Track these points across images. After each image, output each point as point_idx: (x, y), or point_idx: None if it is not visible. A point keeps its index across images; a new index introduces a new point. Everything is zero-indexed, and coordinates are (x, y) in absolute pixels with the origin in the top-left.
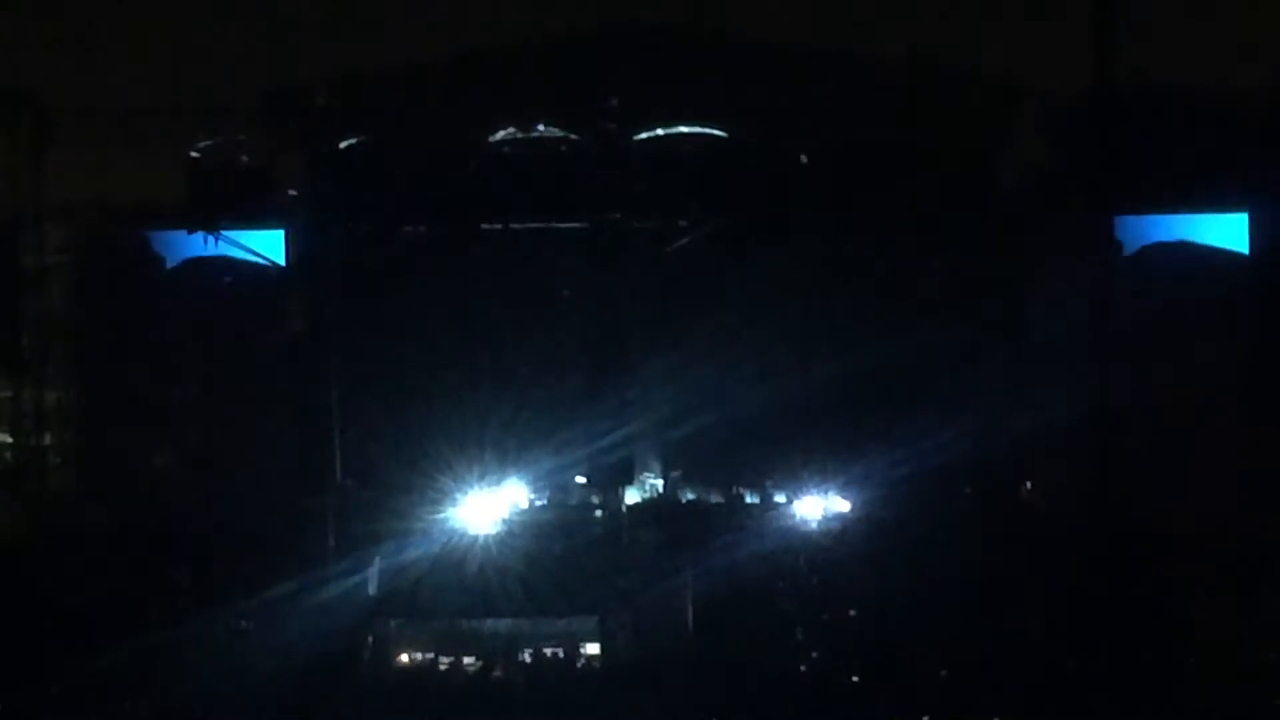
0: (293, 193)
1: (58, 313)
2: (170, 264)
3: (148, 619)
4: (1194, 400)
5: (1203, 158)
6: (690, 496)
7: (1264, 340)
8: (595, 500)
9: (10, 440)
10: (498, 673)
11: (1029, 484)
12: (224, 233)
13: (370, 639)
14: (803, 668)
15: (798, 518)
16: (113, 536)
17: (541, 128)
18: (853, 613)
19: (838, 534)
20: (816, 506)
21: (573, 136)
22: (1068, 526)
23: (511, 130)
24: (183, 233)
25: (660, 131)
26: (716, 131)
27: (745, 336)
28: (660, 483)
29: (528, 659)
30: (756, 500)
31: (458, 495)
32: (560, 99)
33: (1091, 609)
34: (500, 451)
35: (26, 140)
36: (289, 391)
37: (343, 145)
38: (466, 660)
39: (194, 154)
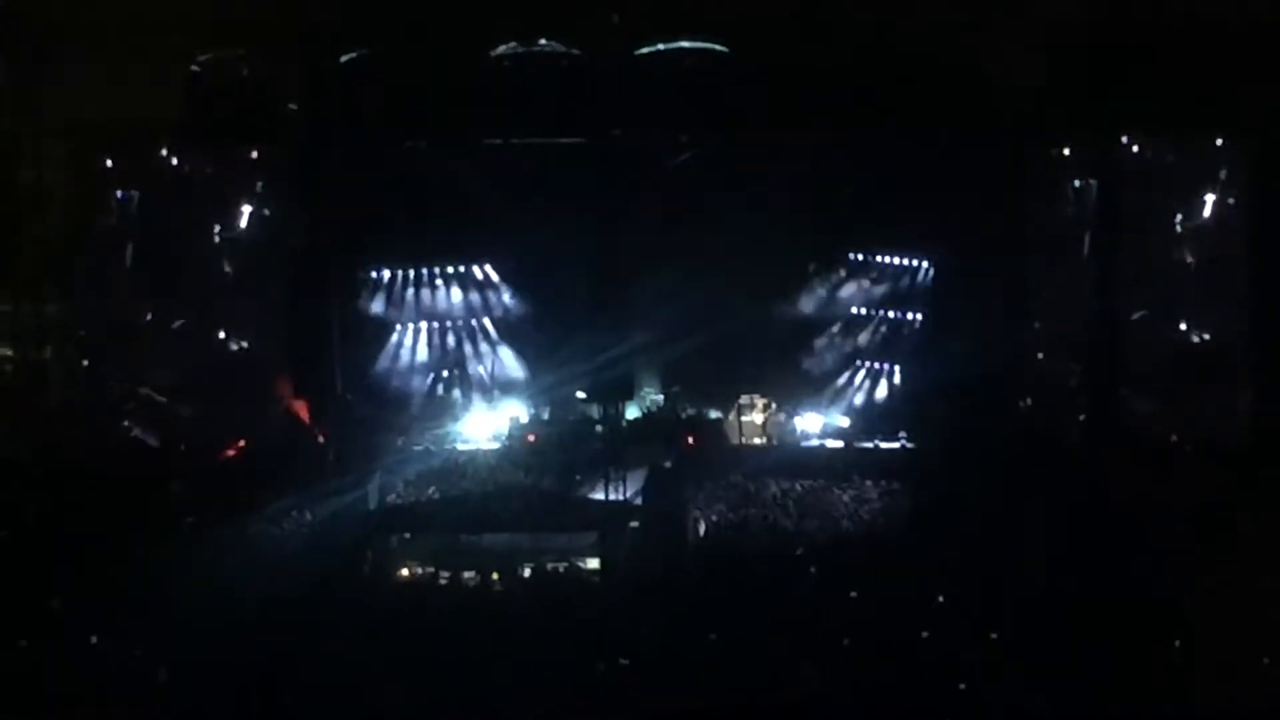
0: (293, 107)
1: (57, 229)
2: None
3: (147, 536)
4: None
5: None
6: (690, 412)
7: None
8: (595, 416)
9: (10, 354)
10: (497, 587)
11: (1028, 399)
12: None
13: (370, 553)
14: (802, 582)
15: (799, 433)
16: (113, 452)
17: (543, 42)
18: (847, 525)
19: (836, 450)
20: (816, 422)
21: (574, 51)
22: (1065, 441)
23: (512, 45)
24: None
25: (661, 46)
26: (717, 46)
27: (746, 253)
28: (660, 399)
29: (527, 574)
30: (757, 416)
31: (458, 410)
32: (561, 13)
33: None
34: (500, 366)
35: (25, 58)
36: (290, 307)
37: (343, 59)
38: (466, 574)
39: (193, 69)
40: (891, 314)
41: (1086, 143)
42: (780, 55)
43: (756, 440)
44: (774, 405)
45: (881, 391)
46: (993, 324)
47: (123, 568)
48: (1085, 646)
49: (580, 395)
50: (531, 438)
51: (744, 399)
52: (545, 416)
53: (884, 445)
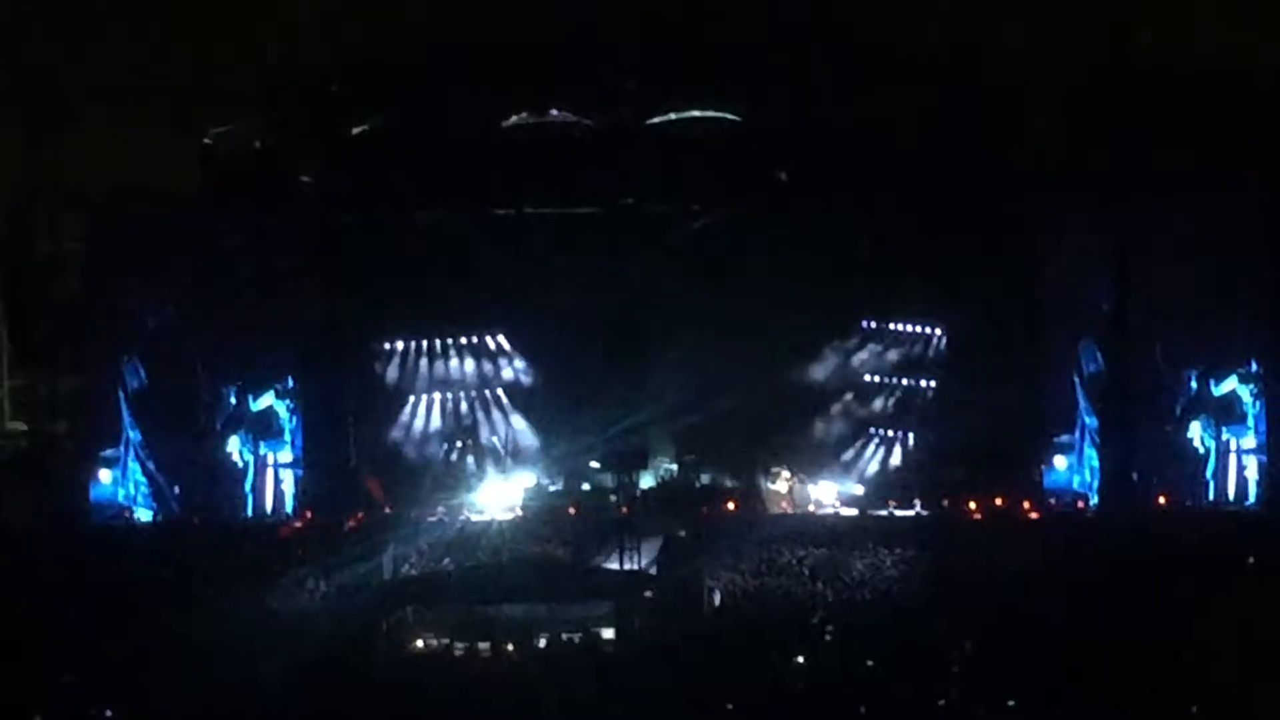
0: (305, 179)
1: (71, 300)
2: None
3: (163, 606)
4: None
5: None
6: (705, 481)
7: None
8: (610, 485)
9: (25, 428)
10: (514, 658)
11: (1043, 467)
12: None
13: (385, 625)
14: (820, 654)
15: (812, 502)
16: (124, 526)
17: (554, 113)
18: (868, 596)
19: (853, 519)
20: (830, 490)
21: (585, 121)
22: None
23: (524, 115)
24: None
25: (673, 116)
26: (729, 116)
27: (759, 322)
28: (675, 468)
29: (543, 644)
30: (771, 485)
31: (472, 481)
32: (572, 84)
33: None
34: (515, 437)
35: (40, 126)
36: (303, 377)
37: (355, 131)
38: (482, 646)
39: (206, 140)
40: (905, 381)
41: (1102, 209)
42: (792, 124)
43: (783, 508)
44: (797, 474)
45: (895, 459)
46: (1007, 390)
47: (134, 639)
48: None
49: (594, 464)
50: (572, 510)
51: (770, 468)
52: (559, 486)
53: (898, 513)
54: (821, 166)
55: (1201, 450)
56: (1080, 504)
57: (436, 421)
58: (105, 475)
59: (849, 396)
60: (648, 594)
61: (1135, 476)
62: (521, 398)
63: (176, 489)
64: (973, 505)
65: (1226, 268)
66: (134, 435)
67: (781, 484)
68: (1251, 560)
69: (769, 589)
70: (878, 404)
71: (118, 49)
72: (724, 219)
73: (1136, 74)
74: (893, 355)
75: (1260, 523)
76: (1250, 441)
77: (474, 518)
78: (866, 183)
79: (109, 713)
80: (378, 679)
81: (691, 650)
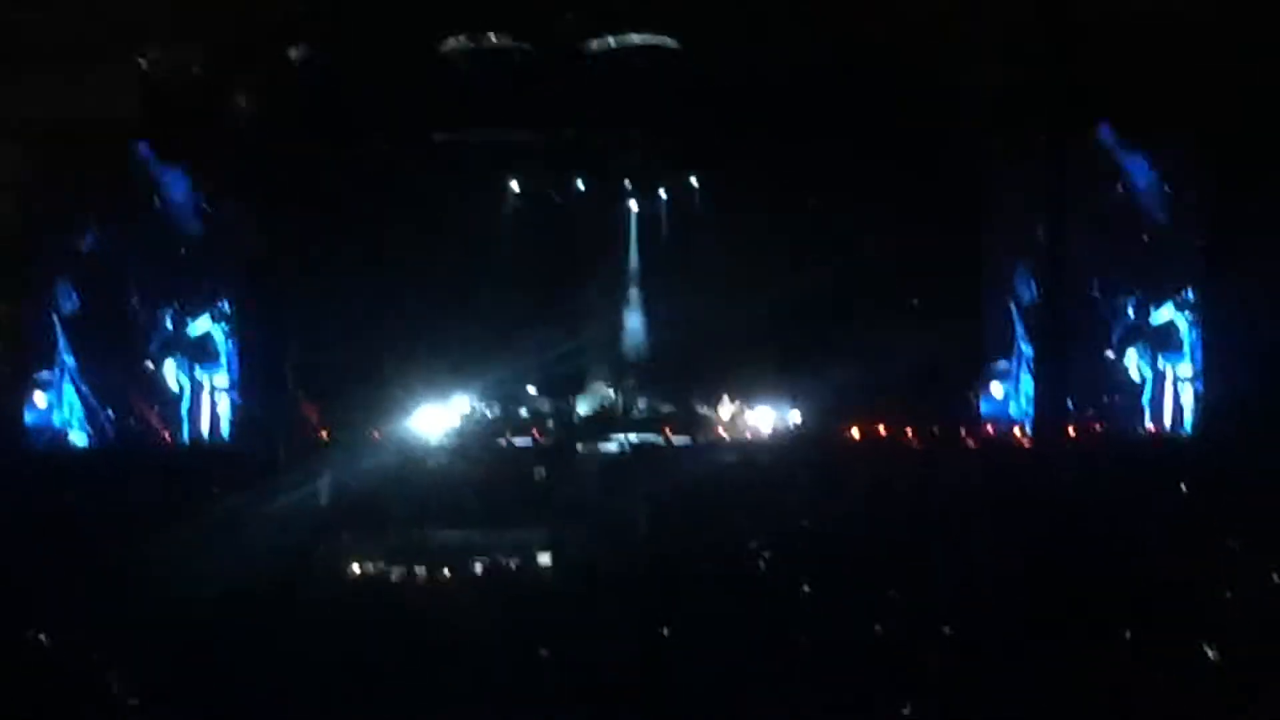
0: (243, 104)
1: (5, 224)
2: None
3: (99, 533)
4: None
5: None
6: (642, 407)
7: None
8: (546, 410)
9: None
10: (450, 582)
11: (979, 394)
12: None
13: (321, 550)
14: (754, 576)
15: (750, 428)
16: (63, 455)
17: (493, 37)
18: (805, 523)
19: (789, 446)
20: (768, 418)
21: (524, 46)
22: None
23: (462, 40)
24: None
25: (612, 42)
26: (670, 42)
27: (699, 248)
28: (612, 393)
29: (479, 569)
30: (709, 411)
31: (409, 406)
32: (511, 8)
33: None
34: (451, 362)
35: None
36: (242, 306)
37: (293, 55)
38: (418, 570)
39: (141, 63)
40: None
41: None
42: (733, 52)
43: (722, 434)
44: (736, 400)
45: (834, 384)
46: (945, 317)
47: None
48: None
49: (531, 390)
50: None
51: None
52: (496, 412)
53: (836, 437)
54: (763, 96)
55: (1138, 379)
56: (1015, 431)
57: (373, 345)
58: (40, 399)
59: (789, 322)
60: (584, 520)
61: (1070, 404)
62: (458, 322)
63: (111, 413)
64: (909, 431)
65: (1164, 195)
66: (69, 360)
67: (721, 410)
68: (1183, 488)
69: (706, 514)
70: (820, 328)
71: None
72: (663, 146)
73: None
74: (837, 278)
75: (1193, 450)
76: (1187, 370)
77: (410, 443)
78: (806, 112)
79: (43, 637)
80: (313, 603)
81: (627, 576)
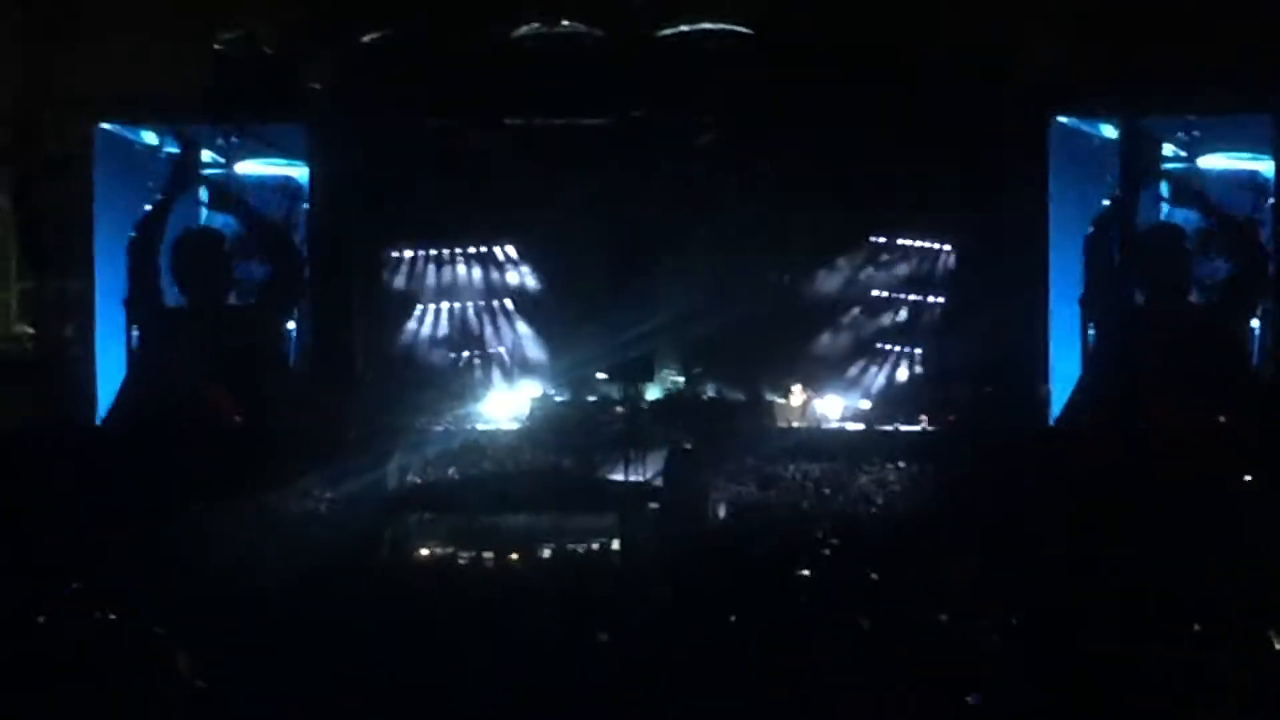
0: (316, 86)
1: (72, 204)
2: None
3: (167, 513)
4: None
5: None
6: (711, 394)
7: None
8: (616, 396)
9: (33, 332)
10: (518, 567)
11: (1045, 386)
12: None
13: (389, 534)
14: (824, 565)
15: (819, 415)
16: (134, 433)
17: (565, 22)
18: (873, 511)
19: (857, 433)
20: (837, 405)
21: (596, 32)
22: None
23: (535, 25)
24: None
25: (685, 28)
26: (742, 29)
27: (769, 236)
28: (682, 380)
29: (547, 554)
30: (779, 399)
31: (478, 390)
32: None
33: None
34: (521, 347)
35: (42, 30)
36: (312, 287)
37: (365, 39)
38: (486, 555)
39: (216, 46)
40: (913, 297)
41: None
42: (803, 37)
43: (791, 422)
44: (805, 389)
45: (902, 375)
46: (1014, 309)
47: (138, 544)
48: (1107, 637)
49: (601, 376)
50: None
51: (778, 381)
52: (566, 397)
53: (904, 429)
54: (832, 82)
55: None
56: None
57: (443, 331)
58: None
59: (857, 312)
60: (652, 506)
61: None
62: (528, 308)
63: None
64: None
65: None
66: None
67: (789, 398)
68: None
69: (774, 503)
70: (885, 319)
71: None
72: (735, 132)
73: None
74: (901, 270)
75: None
76: None
77: (480, 427)
78: (875, 98)
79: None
80: (381, 586)
81: (695, 563)
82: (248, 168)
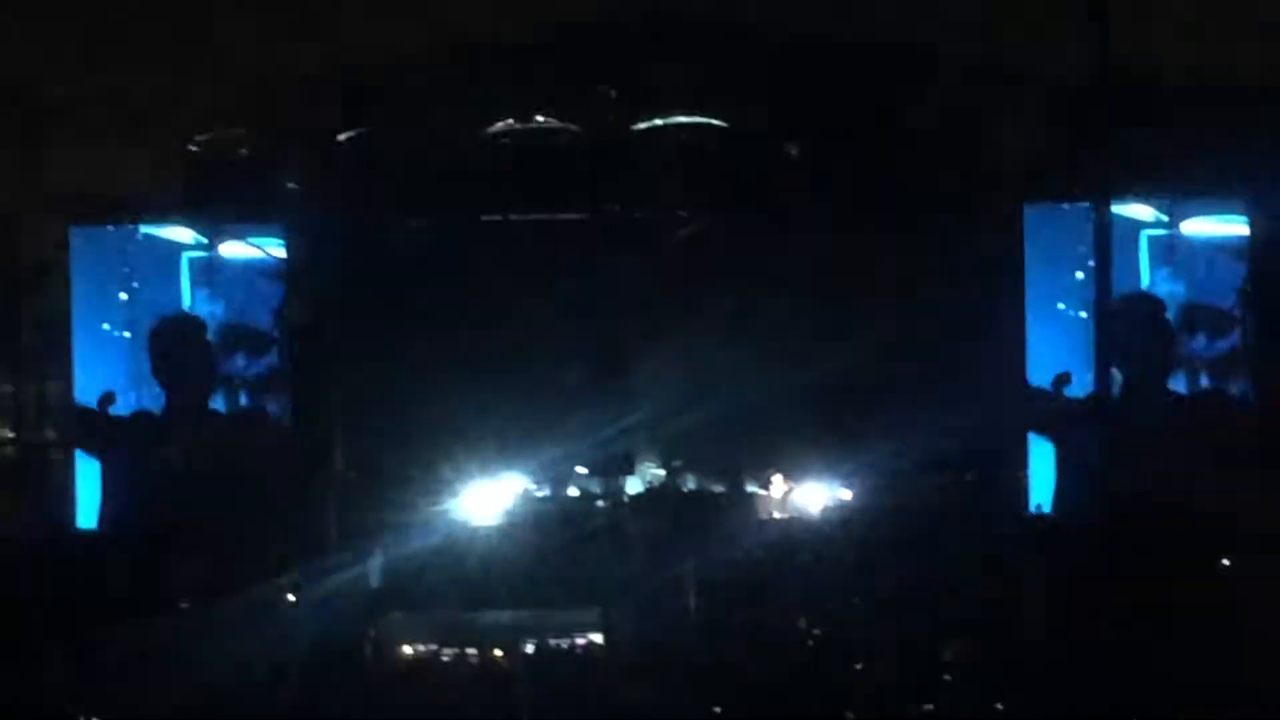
0: (291, 186)
1: (54, 306)
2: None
3: (145, 614)
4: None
5: (1201, 148)
6: (692, 486)
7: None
8: (597, 490)
9: (12, 436)
10: (502, 664)
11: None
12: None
13: (373, 631)
14: (807, 657)
15: (800, 506)
16: (113, 532)
17: (540, 119)
18: (856, 601)
19: (840, 522)
20: (819, 495)
21: (572, 127)
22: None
23: (510, 122)
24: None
25: (659, 121)
26: (716, 121)
27: (746, 326)
28: (662, 472)
29: (531, 650)
30: (759, 489)
31: (458, 486)
32: (558, 90)
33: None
34: (501, 442)
35: (22, 134)
36: (289, 385)
37: (341, 138)
38: (470, 651)
39: (192, 147)
40: (892, 387)
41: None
42: (777, 128)
43: (772, 513)
44: (787, 479)
45: (884, 465)
46: (996, 396)
47: (116, 650)
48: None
49: (581, 470)
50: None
51: (760, 472)
52: (546, 491)
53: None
54: (808, 173)
55: None
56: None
57: (423, 427)
58: None
59: (837, 402)
60: (635, 600)
61: None
62: (508, 404)
63: None
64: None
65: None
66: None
67: (771, 488)
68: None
69: (757, 595)
70: (865, 409)
71: (103, 59)
72: (710, 224)
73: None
74: (879, 359)
75: None
76: None
77: (461, 523)
78: (851, 189)
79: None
80: (365, 684)
81: (680, 655)
82: (233, 249)
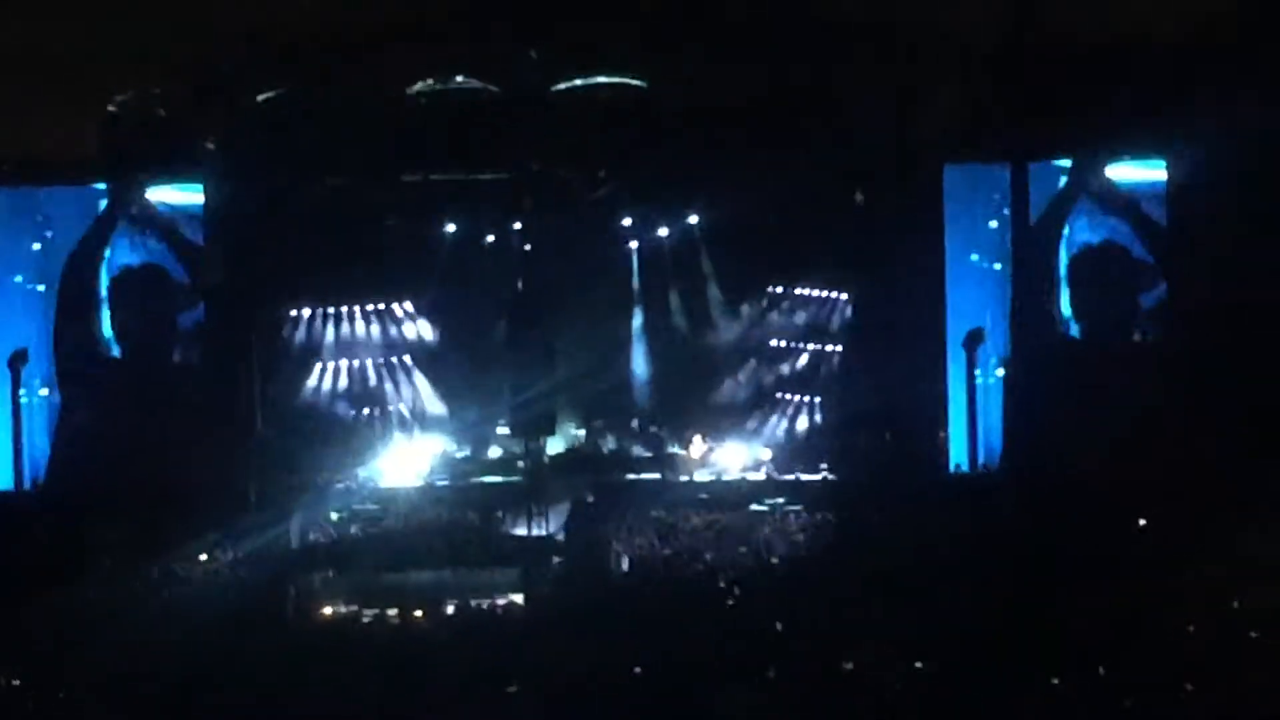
0: (210, 146)
1: None
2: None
3: (67, 579)
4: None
5: (1119, 108)
6: (612, 446)
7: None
8: (517, 451)
9: None
10: (422, 624)
11: (943, 432)
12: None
13: (293, 592)
14: (728, 615)
15: (719, 466)
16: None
17: (460, 79)
18: (775, 560)
19: (758, 482)
20: (739, 455)
21: (491, 88)
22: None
23: (429, 82)
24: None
25: (579, 82)
26: (635, 82)
27: (666, 287)
28: (582, 433)
29: (451, 610)
30: (679, 449)
31: (379, 447)
32: (478, 50)
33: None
34: (421, 403)
35: None
36: (207, 344)
37: (261, 98)
38: (390, 612)
39: (110, 108)
40: (811, 346)
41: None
42: (698, 90)
43: (692, 473)
44: (706, 439)
45: (802, 424)
46: (912, 355)
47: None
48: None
49: (502, 430)
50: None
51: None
52: (467, 452)
53: (805, 478)
54: (727, 134)
55: None
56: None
57: (343, 388)
58: None
59: (756, 361)
60: (555, 560)
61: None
62: (427, 364)
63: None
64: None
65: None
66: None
67: (690, 449)
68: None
69: (677, 554)
70: (785, 369)
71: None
72: (629, 184)
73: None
74: (799, 320)
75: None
76: None
77: (381, 484)
78: (773, 151)
79: (16, 682)
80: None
81: (599, 616)
82: (162, 195)
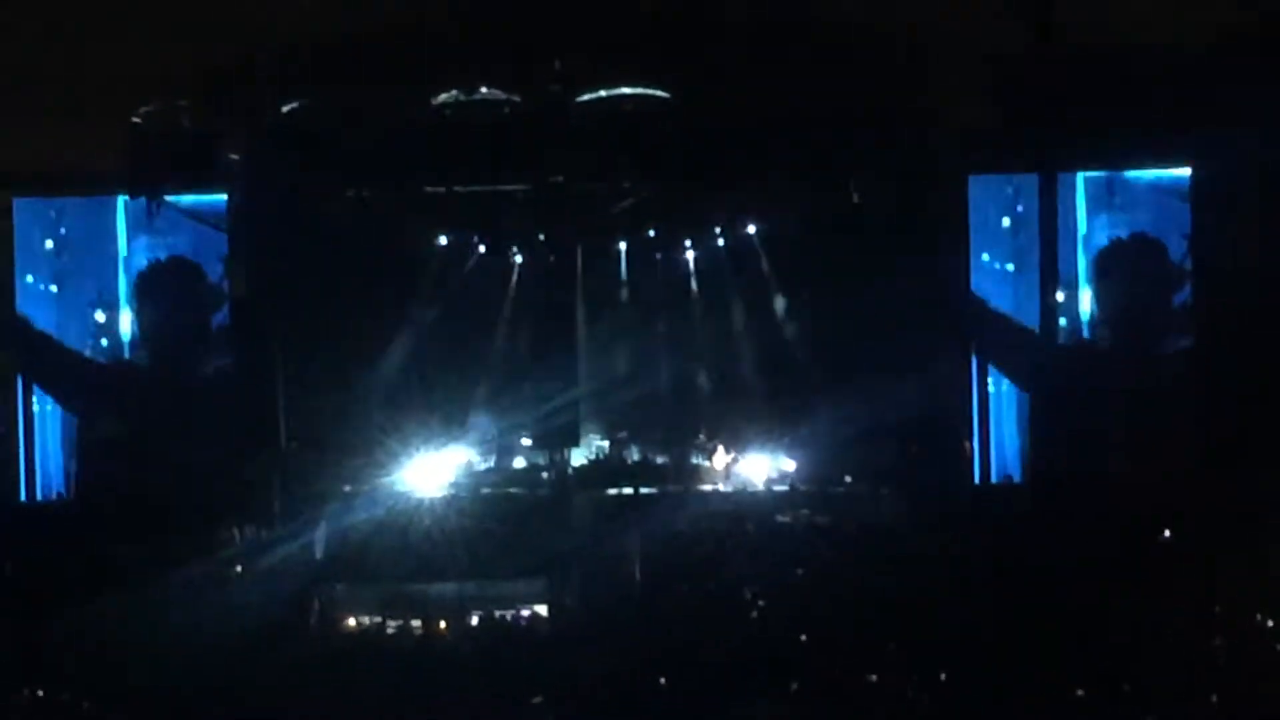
0: (235, 157)
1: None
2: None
3: (90, 589)
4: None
5: (1145, 116)
6: (636, 458)
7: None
8: (541, 462)
9: None
10: (445, 635)
11: (968, 442)
12: (166, 198)
13: (316, 603)
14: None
15: (743, 477)
16: (54, 506)
17: (484, 90)
18: (800, 571)
19: (783, 493)
20: (762, 466)
21: (515, 99)
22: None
23: (454, 93)
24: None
25: (603, 93)
26: (659, 93)
27: (691, 298)
28: (606, 444)
29: (475, 621)
30: (703, 461)
31: (403, 458)
32: (502, 61)
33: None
34: (446, 414)
35: None
36: (232, 356)
37: (285, 109)
38: (414, 623)
39: (135, 120)
40: (836, 356)
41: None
42: (723, 101)
43: (716, 484)
44: (731, 450)
45: (827, 435)
46: (938, 366)
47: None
48: (1043, 687)
49: (526, 442)
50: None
51: (704, 443)
52: (491, 464)
53: (830, 489)
54: (753, 145)
55: None
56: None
57: (368, 398)
58: None
59: (780, 372)
60: (579, 571)
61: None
62: (452, 375)
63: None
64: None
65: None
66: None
67: (714, 460)
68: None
69: (702, 565)
70: (809, 380)
71: (34, 34)
72: (656, 196)
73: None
74: (822, 331)
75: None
76: None
77: (406, 495)
78: (798, 161)
79: (40, 693)
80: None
81: (624, 626)
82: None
